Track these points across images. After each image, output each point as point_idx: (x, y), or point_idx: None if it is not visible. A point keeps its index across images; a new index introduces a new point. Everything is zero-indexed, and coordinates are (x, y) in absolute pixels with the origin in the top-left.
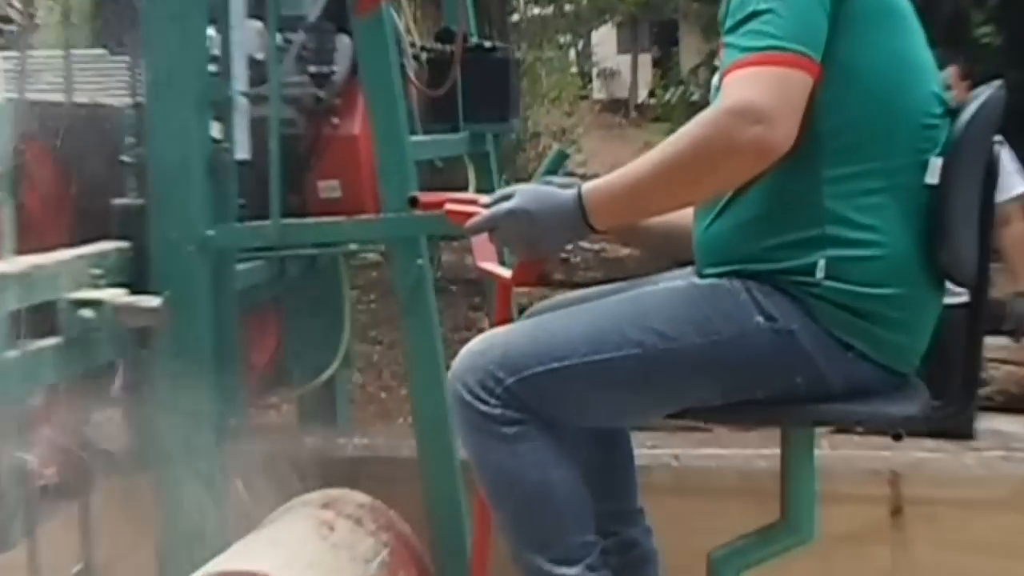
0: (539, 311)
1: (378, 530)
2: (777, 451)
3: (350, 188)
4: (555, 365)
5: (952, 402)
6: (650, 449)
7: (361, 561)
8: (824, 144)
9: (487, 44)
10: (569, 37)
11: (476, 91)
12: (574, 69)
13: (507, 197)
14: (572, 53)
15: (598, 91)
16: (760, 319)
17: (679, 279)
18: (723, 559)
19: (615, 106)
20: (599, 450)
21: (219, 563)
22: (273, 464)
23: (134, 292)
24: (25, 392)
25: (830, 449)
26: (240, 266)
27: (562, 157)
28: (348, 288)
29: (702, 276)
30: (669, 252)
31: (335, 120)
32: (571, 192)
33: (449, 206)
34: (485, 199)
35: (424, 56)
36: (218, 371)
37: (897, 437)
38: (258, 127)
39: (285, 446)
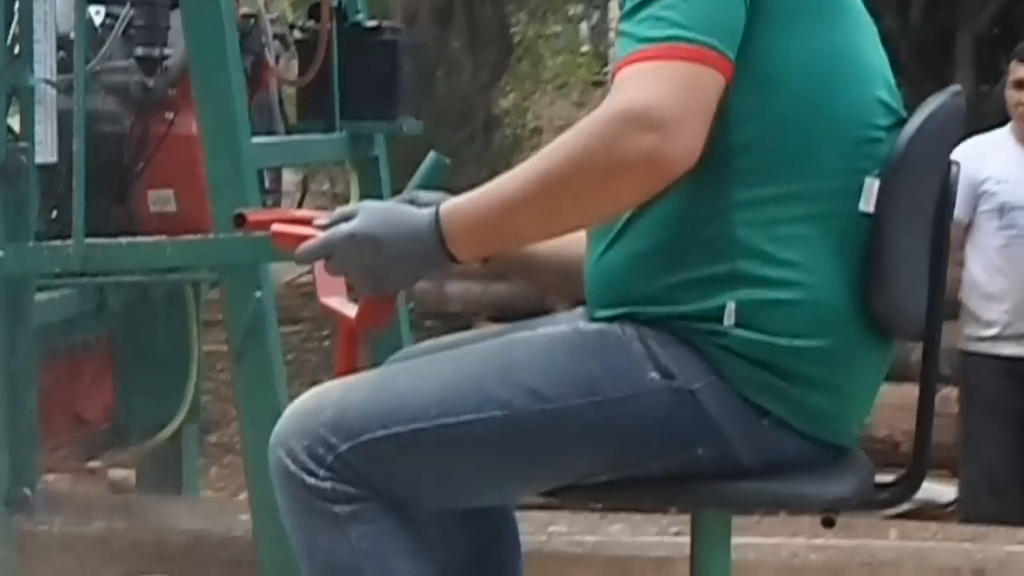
0: (401, 358)
1: None
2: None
3: (187, 200)
4: (399, 429)
5: (900, 479)
6: (674, 537)
7: None
8: (736, 160)
9: (371, 23)
10: (580, 8)
11: (357, 81)
12: (586, 48)
13: (348, 217)
14: (584, 28)
15: None
16: (655, 375)
17: (563, 323)
18: None
19: None
20: (477, 544)
21: None
22: (80, 546)
23: None
24: None
25: (900, 540)
26: (42, 295)
27: (438, 166)
28: (196, 323)
29: (593, 318)
30: (568, 291)
31: (169, 115)
32: (427, 212)
33: (276, 227)
34: (322, 219)
35: (294, 36)
36: (7, 426)
37: (828, 523)
38: (70, 122)
39: (98, 521)
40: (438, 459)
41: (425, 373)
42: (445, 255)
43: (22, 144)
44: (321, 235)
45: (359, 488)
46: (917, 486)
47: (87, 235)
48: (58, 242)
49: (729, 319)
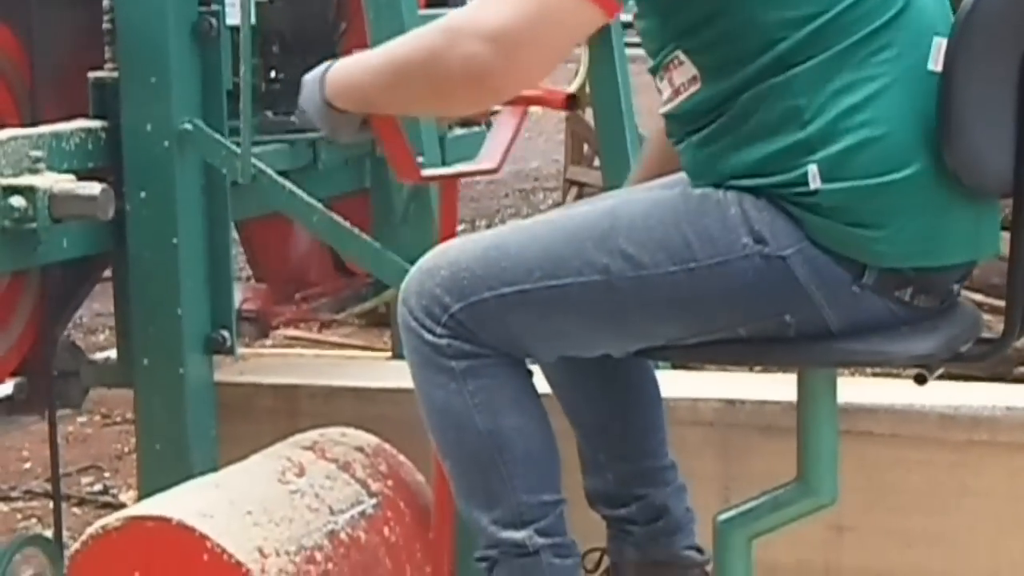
0: None
1: (370, 478)
2: None
3: None
4: (505, 290)
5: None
6: None
7: (326, 511)
8: (799, 30)
9: None
10: None
11: None
12: None
13: None
14: None
15: None
16: (747, 240)
17: (674, 185)
18: (731, 524)
19: None
20: (614, 396)
21: (136, 507)
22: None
23: (111, 182)
24: None
25: None
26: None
27: None
28: None
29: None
30: None
31: None
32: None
33: None
34: None
35: None
36: (208, 278)
37: (920, 380)
38: None
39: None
40: (542, 319)
41: (533, 236)
42: (323, 98)
43: (213, 7)
44: None
45: (473, 345)
46: (1007, 344)
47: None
48: (235, 146)
49: (814, 181)
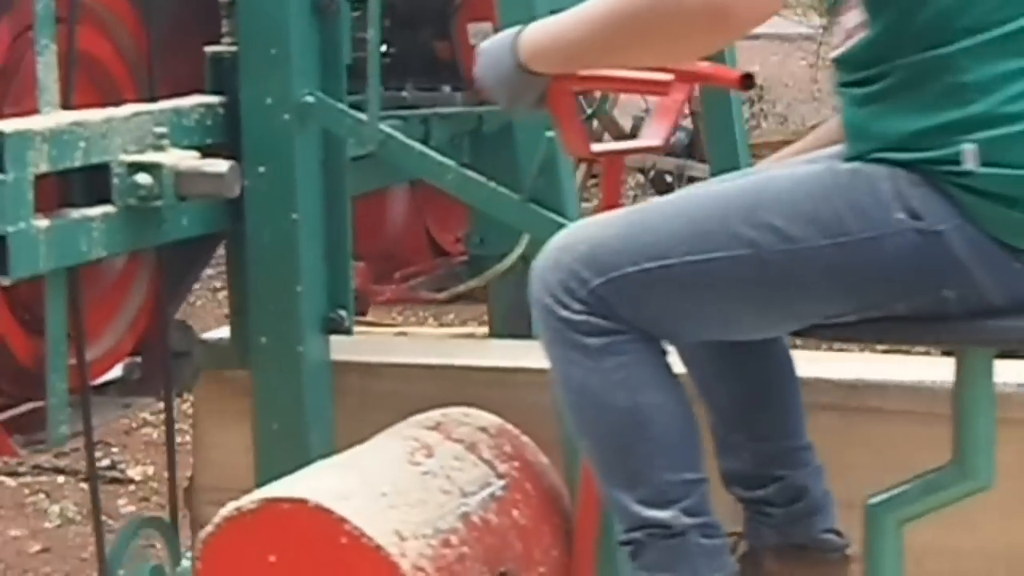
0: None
1: (496, 459)
2: None
3: None
4: (648, 265)
5: None
6: None
7: (457, 493)
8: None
9: None
10: None
11: None
12: None
13: None
14: None
15: None
16: (902, 215)
17: (819, 161)
18: (882, 508)
19: None
20: (752, 375)
21: (269, 489)
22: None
23: (229, 156)
24: (59, 267)
25: None
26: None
27: None
28: None
29: (847, 159)
30: None
31: None
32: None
33: None
34: None
35: None
36: (325, 256)
37: None
38: None
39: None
40: (685, 295)
41: (675, 210)
42: (516, 62)
43: None
44: None
45: (611, 321)
46: None
47: (409, 73)
48: (362, 116)
49: (970, 161)
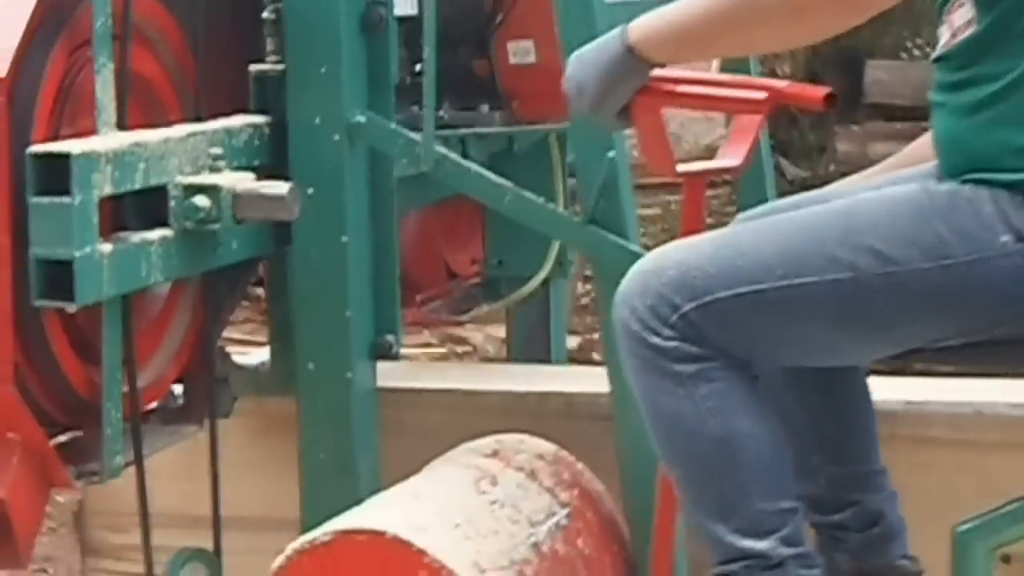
0: (748, 219)
1: (557, 487)
2: None
3: (546, 51)
4: (743, 290)
5: None
6: None
7: (526, 523)
8: None
9: None
10: None
11: None
12: None
13: None
14: None
15: None
16: (1007, 238)
17: (911, 181)
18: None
19: None
20: (828, 400)
21: (342, 521)
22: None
23: (273, 177)
24: (120, 293)
25: None
26: None
27: None
28: (561, 174)
29: (942, 179)
30: None
31: None
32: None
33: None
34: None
35: None
36: (373, 280)
37: None
38: None
39: (460, 380)
40: (780, 319)
41: (767, 234)
42: (628, 53)
43: None
44: None
45: (702, 347)
46: None
47: (446, 92)
48: (415, 135)
49: None
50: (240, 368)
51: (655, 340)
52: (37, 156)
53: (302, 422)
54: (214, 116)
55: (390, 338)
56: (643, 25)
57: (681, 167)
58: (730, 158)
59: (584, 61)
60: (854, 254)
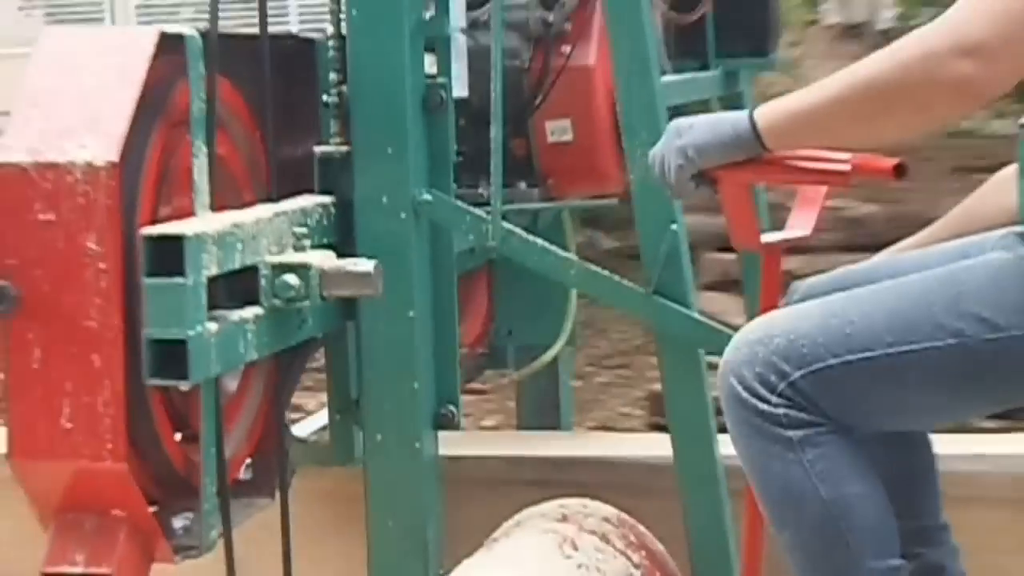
0: (813, 289)
1: (627, 548)
2: None
3: (583, 129)
4: (851, 358)
5: None
6: None
7: None
8: None
9: None
10: None
11: (730, 17)
12: None
13: None
14: None
15: (831, 15)
16: None
17: (1000, 249)
18: None
19: (852, 33)
20: (895, 456)
21: None
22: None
23: (339, 255)
24: (222, 371)
25: None
26: None
27: None
28: (573, 245)
29: None
30: None
31: (565, 48)
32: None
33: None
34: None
35: None
36: (435, 352)
37: None
38: (475, 59)
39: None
40: (890, 386)
41: (872, 302)
42: (753, 135)
43: (441, 80)
44: None
45: (811, 413)
46: None
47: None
48: (480, 212)
49: None
50: (299, 440)
51: (764, 407)
52: (152, 238)
53: (370, 492)
54: (282, 197)
55: (452, 408)
56: (771, 114)
57: (766, 238)
58: (799, 228)
59: (700, 131)
60: (962, 321)
